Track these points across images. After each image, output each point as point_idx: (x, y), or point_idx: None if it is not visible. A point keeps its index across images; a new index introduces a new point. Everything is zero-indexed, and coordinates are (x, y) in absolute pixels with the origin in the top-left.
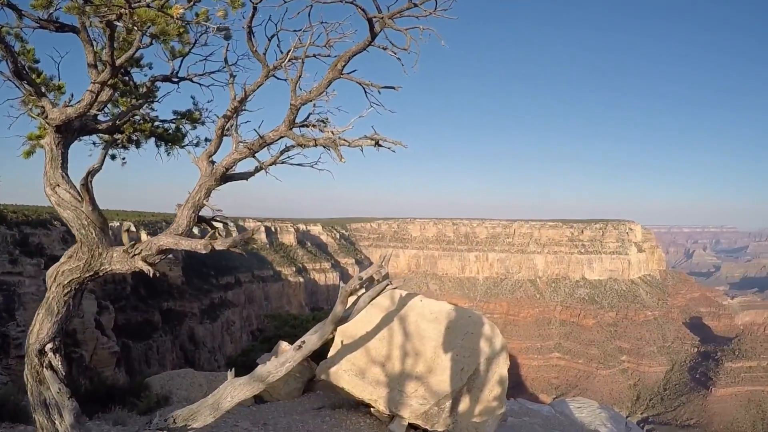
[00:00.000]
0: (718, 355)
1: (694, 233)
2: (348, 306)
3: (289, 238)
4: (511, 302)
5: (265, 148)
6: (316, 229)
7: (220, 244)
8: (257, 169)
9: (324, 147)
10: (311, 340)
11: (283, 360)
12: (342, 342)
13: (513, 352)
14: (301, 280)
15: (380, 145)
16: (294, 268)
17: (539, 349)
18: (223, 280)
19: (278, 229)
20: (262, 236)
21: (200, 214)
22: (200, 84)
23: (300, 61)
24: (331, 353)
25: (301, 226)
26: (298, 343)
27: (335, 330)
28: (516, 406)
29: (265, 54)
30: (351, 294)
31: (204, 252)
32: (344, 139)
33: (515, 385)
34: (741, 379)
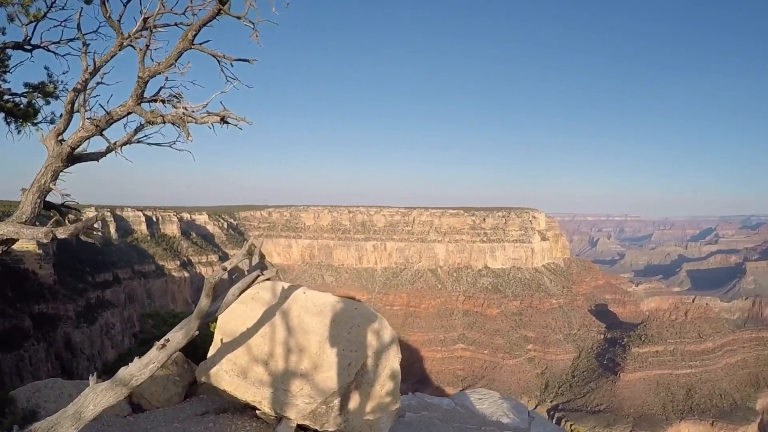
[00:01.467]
0: (624, 341)
1: (599, 222)
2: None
3: (172, 229)
4: (412, 293)
5: (116, 124)
6: (201, 219)
7: (62, 232)
8: (108, 150)
9: (172, 124)
10: (176, 337)
11: (147, 361)
12: (222, 340)
13: (416, 345)
14: (186, 274)
15: (226, 122)
16: (178, 262)
17: (443, 340)
18: (99, 277)
19: (160, 218)
20: (142, 227)
21: (48, 199)
22: (55, 53)
23: (149, 29)
24: (210, 353)
25: (186, 215)
26: (161, 341)
27: (212, 326)
28: (414, 400)
29: (119, 21)
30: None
31: (45, 241)
32: (191, 116)
33: (420, 379)
34: (649, 364)
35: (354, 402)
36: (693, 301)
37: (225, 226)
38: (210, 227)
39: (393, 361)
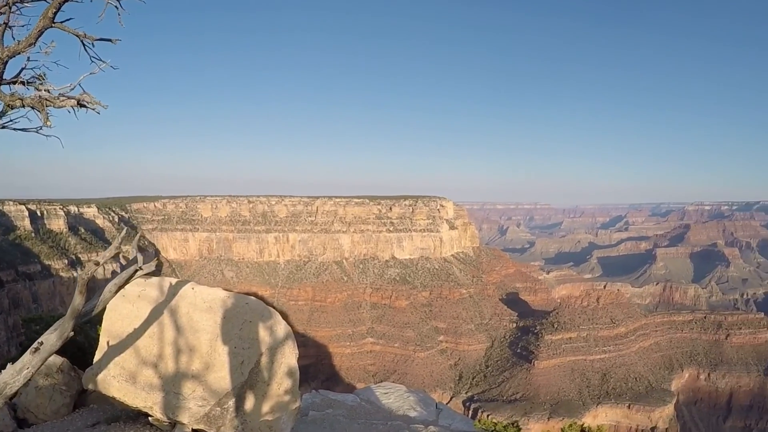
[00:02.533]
0: (537, 328)
1: (508, 210)
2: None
3: (58, 224)
4: (317, 287)
5: None
6: (90, 212)
7: None
8: None
9: (32, 108)
10: (49, 340)
11: (20, 367)
12: (108, 343)
13: (323, 341)
14: (76, 274)
15: (83, 106)
16: (66, 261)
17: (351, 335)
18: None
19: (45, 212)
20: (25, 223)
21: None
22: None
23: (7, 5)
24: (96, 357)
25: (73, 209)
26: (34, 344)
27: (98, 328)
28: (318, 398)
29: None
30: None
31: None
32: (48, 99)
33: (329, 377)
34: (562, 351)
35: (250, 402)
36: (604, 287)
37: (116, 219)
38: (100, 221)
39: (289, 357)
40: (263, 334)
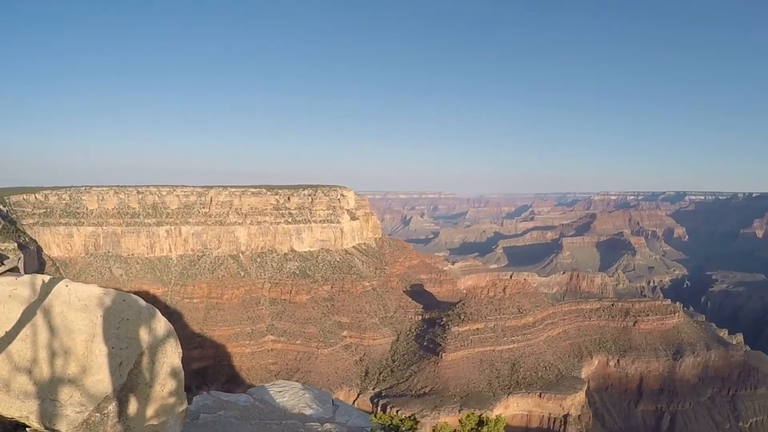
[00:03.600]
0: (443, 320)
1: (411, 199)
2: None
3: None
4: (213, 283)
5: None
6: None
7: None
8: None
9: None
10: None
11: None
12: None
13: (221, 341)
14: None
15: None
16: None
17: (251, 333)
18: None
19: None
20: None
21: None
22: None
23: None
24: None
25: None
26: None
27: None
28: (209, 400)
29: None
30: None
31: None
32: None
33: (230, 378)
34: (470, 342)
35: (133, 406)
36: (511, 277)
37: None
38: None
39: (172, 357)
40: (142, 332)
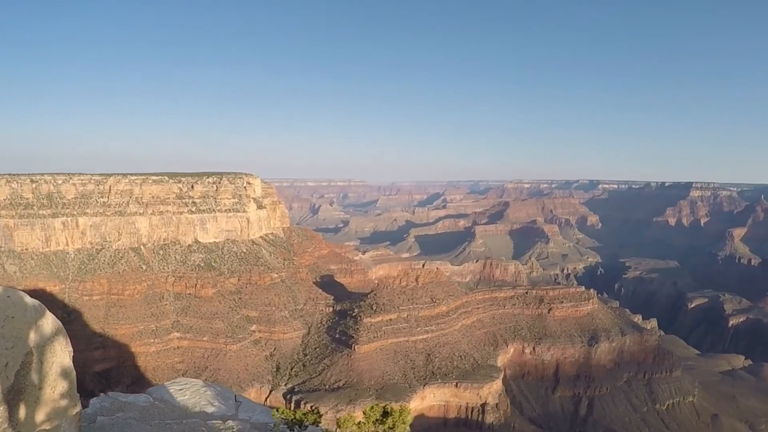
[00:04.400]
0: (355, 311)
1: (320, 187)
2: None
3: None
4: (113, 278)
5: None
6: None
7: None
8: None
9: None
10: None
11: None
12: None
13: (124, 340)
14: None
15: None
16: None
17: (155, 331)
18: None
19: None
20: None
21: None
22: None
23: None
24: None
25: None
26: None
27: None
28: (107, 402)
29: None
30: None
31: None
32: None
33: (135, 380)
34: (383, 333)
35: (23, 410)
36: (423, 266)
37: None
38: None
39: (61, 356)
40: (29, 330)
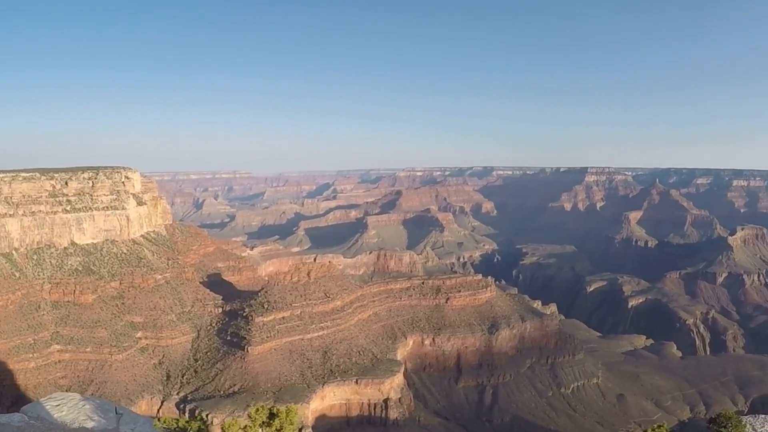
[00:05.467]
0: (246, 311)
1: (204, 180)
2: None
3: None
4: None
5: None
6: None
7: None
8: None
9: None
10: None
11: None
12: None
13: (0, 357)
14: None
15: None
16: None
17: (33, 345)
18: None
19: None
20: None
21: None
22: None
23: None
24: None
25: None
26: None
27: None
28: None
29: None
30: None
31: None
32: None
33: (15, 401)
34: (277, 332)
35: None
36: (315, 260)
37: None
38: None
39: None
40: None
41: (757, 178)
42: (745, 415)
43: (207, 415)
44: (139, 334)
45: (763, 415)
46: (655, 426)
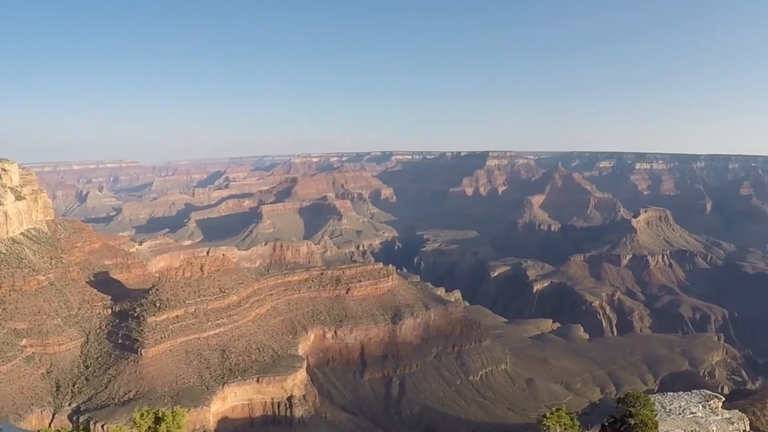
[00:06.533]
0: (137, 311)
1: (87, 171)
2: None
3: None
4: None
5: None
6: None
7: None
8: None
9: None
10: None
11: None
12: None
13: None
14: None
15: None
16: None
17: None
18: None
19: None
20: None
21: None
22: None
23: None
24: None
25: None
26: None
27: None
28: None
29: None
30: None
31: None
32: None
33: None
34: (171, 332)
35: None
36: (208, 253)
37: None
38: None
39: None
40: None
41: (660, 161)
42: (654, 393)
43: (95, 424)
44: (24, 342)
45: (671, 393)
46: (554, 409)
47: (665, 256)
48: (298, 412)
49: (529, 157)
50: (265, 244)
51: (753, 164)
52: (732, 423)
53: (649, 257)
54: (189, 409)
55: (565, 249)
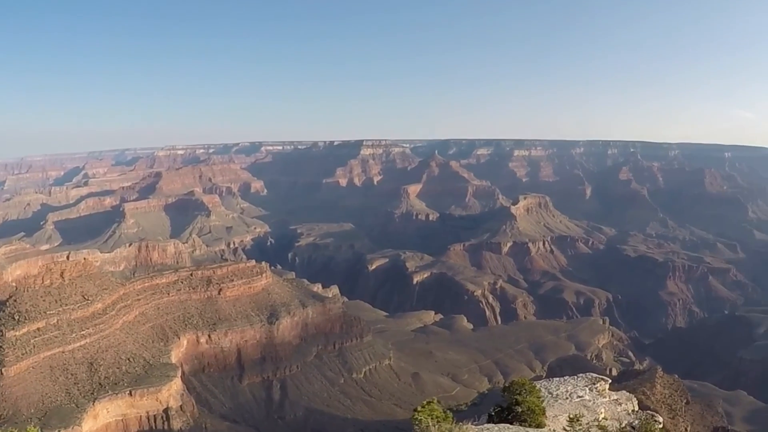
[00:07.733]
0: None
1: None
2: None
3: None
4: None
5: None
6: None
7: None
8: None
9: None
10: None
11: None
12: None
13: None
14: None
15: None
16: None
17: None
18: None
19: None
20: None
21: None
22: None
23: None
24: None
25: None
26: None
27: None
28: None
29: None
30: None
31: None
32: None
33: None
34: (33, 347)
35: None
36: (68, 257)
37: None
38: None
39: None
40: None
41: (539, 148)
42: (542, 379)
43: None
44: None
45: (558, 378)
46: (425, 402)
47: (546, 243)
48: (176, 424)
49: (404, 145)
50: (130, 245)
51: (632, 149)
52: (620, 404)
53: (530, 244)
54: (59, 431)
55: (444, 239)
